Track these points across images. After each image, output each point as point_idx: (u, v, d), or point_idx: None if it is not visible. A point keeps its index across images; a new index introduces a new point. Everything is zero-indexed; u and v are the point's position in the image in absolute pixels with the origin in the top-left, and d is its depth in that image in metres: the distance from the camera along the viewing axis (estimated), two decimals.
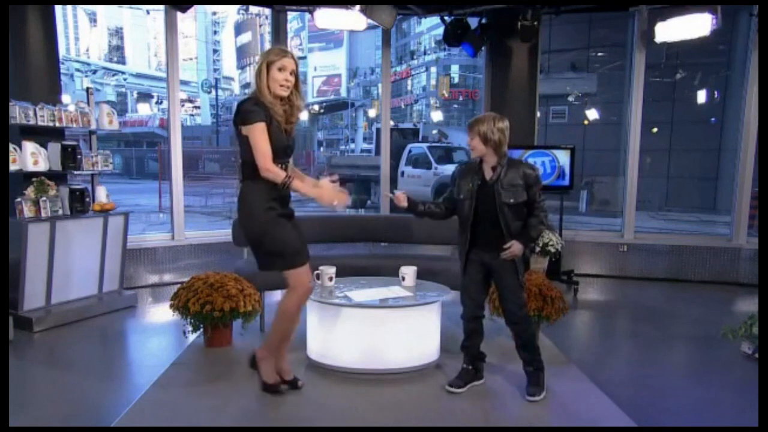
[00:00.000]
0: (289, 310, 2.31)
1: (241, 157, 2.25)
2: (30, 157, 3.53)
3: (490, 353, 2.69)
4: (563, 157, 4.78)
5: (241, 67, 41.73)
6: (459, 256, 2.56)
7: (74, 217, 3.68)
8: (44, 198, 3.51)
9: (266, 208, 2.23)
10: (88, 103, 3.93)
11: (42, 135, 3.64)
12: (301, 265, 2.28)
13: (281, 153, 2.24)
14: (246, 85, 41.03)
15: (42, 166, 3.60)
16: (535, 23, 4.52)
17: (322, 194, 2.21)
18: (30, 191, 3.50)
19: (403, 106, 26.62)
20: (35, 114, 3.55)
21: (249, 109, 2.18)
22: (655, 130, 10.53)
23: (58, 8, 4.08)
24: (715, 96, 11.23)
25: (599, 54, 12.25)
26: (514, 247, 2.36)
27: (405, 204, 2.54)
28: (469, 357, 2.58)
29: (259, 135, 2.16)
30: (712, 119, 11.18)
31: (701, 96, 11.14)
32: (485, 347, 2.64)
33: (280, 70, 2.21)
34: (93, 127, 3.91)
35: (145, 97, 34.84)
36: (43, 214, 3.50)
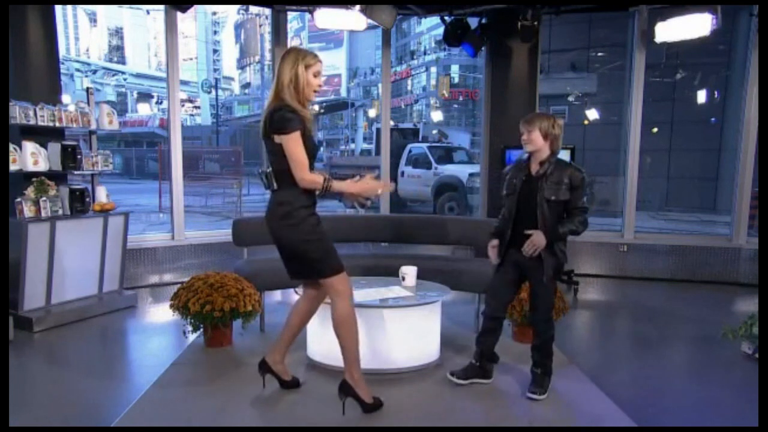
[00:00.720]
0: (349, 316, 2.23)
1: (275, 166, 2.16)
2: (30, 157, 3.53)
3: None
4: (563, 157, 4.77)
5: (241, 67, 41.73)
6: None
7: (74, 217, 3.68)
8: (44, 198, 3.51)
9: (309, 215, 2.18)
10: (88, 103, 3.93)
11: (42, 135, 3.64)
12: (344, 269, 2.24)
13: (312, 158, 2.19)
14: (246, 85, 41.09)
15: (42, 166, 3.59)
16: (535, 23, 4.52)
17: (365, 187, 2.18)
18: (30, 191, 3.50)
19: (403, 106, 26.61)
20: (35, 114, 3.55)
21: (287, 116, 2.08)
22: (655, 130, 10.53)
23: (58, 8, 4.07)
24: (715, 96, 11.23)
25: (599, 54, 12.26)
26: (536, 236, 2.32)
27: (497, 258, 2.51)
28: (480, 354, 2.59)
29: (296, 144, 2.08)
30: (712, 119, 11.19)
31: (701, 96, 11.14)
32: None
33: (315, 75, 2.16)
34: (93, 127, 3.91)
35: (145, 97, 34.85)
36: (43, 214, 3.50)
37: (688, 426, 2.34)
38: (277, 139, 2.11)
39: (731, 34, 9.31)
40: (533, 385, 2.48)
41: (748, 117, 4.84)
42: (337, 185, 2.16)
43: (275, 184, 2.18)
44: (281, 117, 2.09)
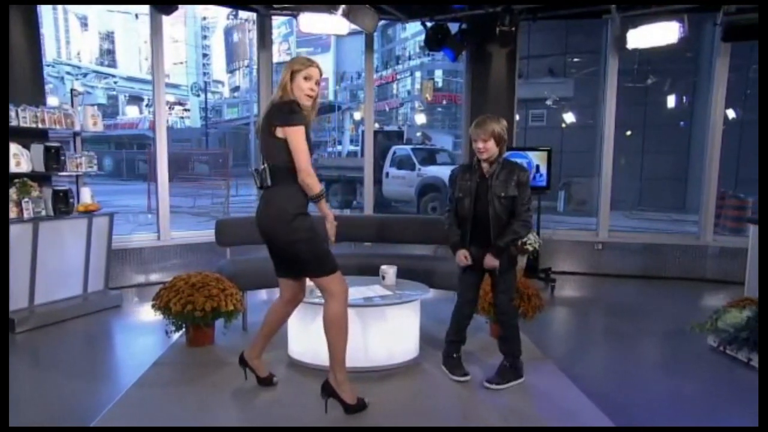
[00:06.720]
0: (340, 317, 2.22)
1: (271, 161, 2.18)
2: (12, 158, 3.53)
3: (471, 350, 2.78)
4: (540, 159, 4.92)
5: (231, 71, 41.51)
6: (456, 253, 2.62)
7: (58, 218, 3.69)
8: (27, 199, 3.52)
9: (301, 214, 2.18)
10: (72, 104, 3.95)
11: (24, 136, 3.64)
12: (338, 269, 2.24)
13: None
14: (235, 89, 40.85)
15: (24, 168, 3.60)
16: (513, 29, 4.63)
17: (332, 229, 2.26)
18: (12, 192, 3.50)
19: (387, 110, 26.75)
20: (17, 115, 3.55)
21: (293, 109, 2.12)
22: (628, 132, 10.82)
23: (49, 12, 4.10)
24: (684, 100, 11.62)
25: (576, 60, 12.58)
26: (488, 261, 2.49)
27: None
28: (456, 347, 2.71)
29: (301, 137, 2.11)
30: (681, 123, 11.56)
31: (671, 100, 11.52)
32: (468, 343, 2.77)
33: (306, 79, 2.19)
34: (77, 128, 3.93)
35: (135, 99, 34.46)
36: (25, 215, 3.51)
37: (671, 426, 2.34)
38: (281, 132, 2.12)
39: (697, 42, 9.62)
40: (496, 375, 2.56)
41: (714, 120, 5.03)
42: (325, 206, 2.22)
43: (269, 181, 2.19)
44: (290, 109, 2.12)
